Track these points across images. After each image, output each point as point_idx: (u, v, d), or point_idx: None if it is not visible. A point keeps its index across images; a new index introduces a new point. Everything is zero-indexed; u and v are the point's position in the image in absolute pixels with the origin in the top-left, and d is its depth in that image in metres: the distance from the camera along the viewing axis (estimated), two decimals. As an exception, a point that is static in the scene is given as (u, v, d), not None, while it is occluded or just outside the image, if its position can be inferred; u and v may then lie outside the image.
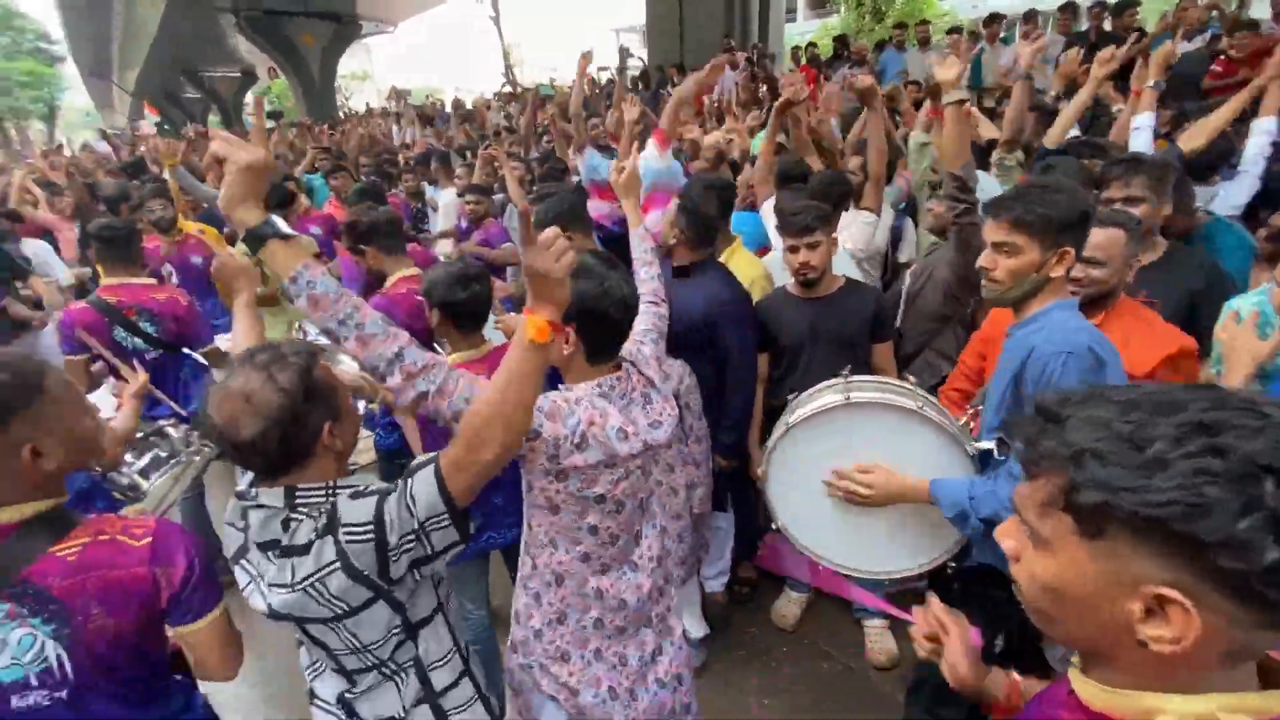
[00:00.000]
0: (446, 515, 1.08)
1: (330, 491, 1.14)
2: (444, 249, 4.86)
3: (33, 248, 4.37)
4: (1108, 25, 6.22)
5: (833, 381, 1.77)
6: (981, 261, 1.54)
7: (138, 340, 2.74)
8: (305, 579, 1.07)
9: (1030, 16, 6.60)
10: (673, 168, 3.56)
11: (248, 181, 1.11)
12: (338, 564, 1.06)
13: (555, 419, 1.30)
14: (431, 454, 1.11)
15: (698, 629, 2.63)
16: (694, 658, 2.34)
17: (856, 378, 1.75)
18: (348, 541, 1.06)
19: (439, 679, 1.25)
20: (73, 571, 1.08)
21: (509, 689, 1.59)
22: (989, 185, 3.23)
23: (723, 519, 2.75)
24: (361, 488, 1.13)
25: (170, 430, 2.10)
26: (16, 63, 37.96)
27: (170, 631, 1.23)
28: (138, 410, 2.03)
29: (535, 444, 1.29)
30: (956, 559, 1.64)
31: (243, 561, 1.18)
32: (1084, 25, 6.67)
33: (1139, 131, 2.87)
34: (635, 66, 14.23)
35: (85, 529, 1.14)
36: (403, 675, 1.21)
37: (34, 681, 1.07)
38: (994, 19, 7.02)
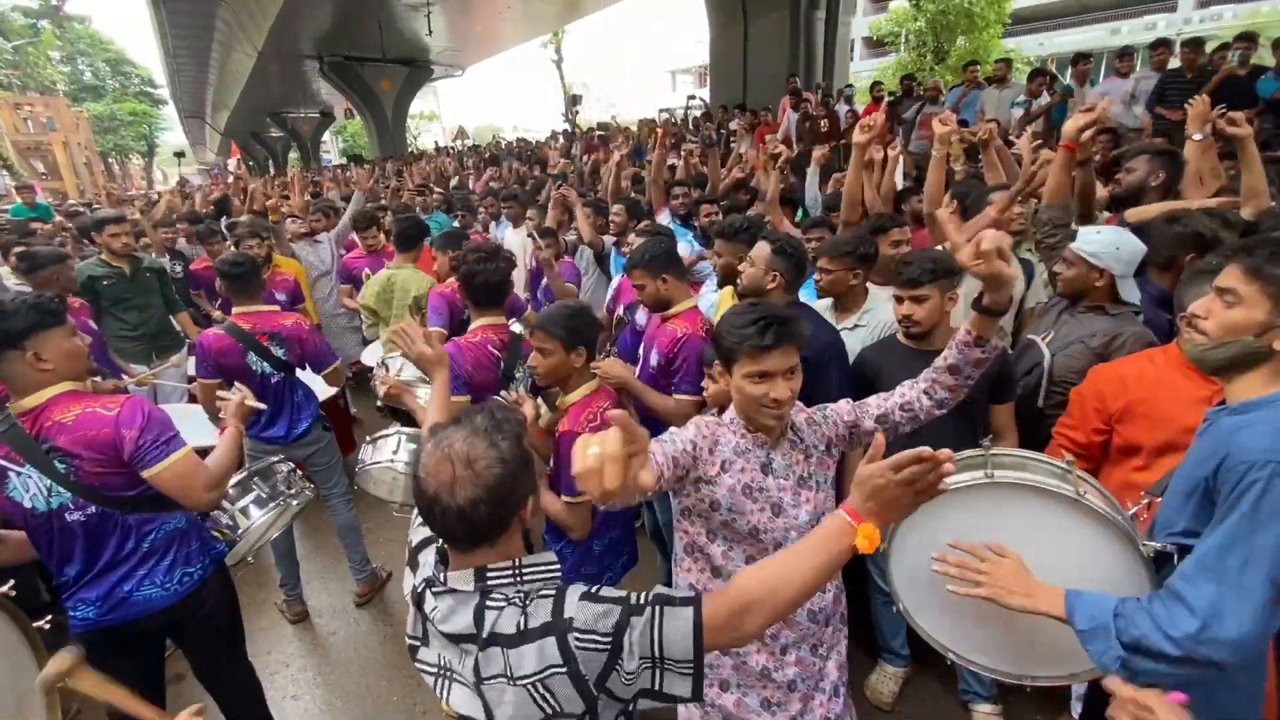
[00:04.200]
0: (692, 665, 1.00)
1: (517, 571, 1.06)
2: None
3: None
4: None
5: (970, 453, 1.56)
6: (1194, 308, 1.32)
7: (266, 364, 2.80)
8: (528, 677, 0.99)
9: (1126, 54, 6.34)
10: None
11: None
12: (564, 668, 0.98)
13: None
14: (688, 595, 1.03)
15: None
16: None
17: (999, 450, 1.54)
18: (578, 646, 0.99)
19: None
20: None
21: None
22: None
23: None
24: (590, 590, 1.04)
25: (279, 466, 2.10)
26: (123, 104, 41.88)
27: None
28: (235, 447, 2.02)
29: None
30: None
31: (421, 656, 1.10)
32: (1176, 63, 6.34)
33: None
34: (697, 106, 14.48)
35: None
36: None
37: None
38: (1082, 57, 6.75)
